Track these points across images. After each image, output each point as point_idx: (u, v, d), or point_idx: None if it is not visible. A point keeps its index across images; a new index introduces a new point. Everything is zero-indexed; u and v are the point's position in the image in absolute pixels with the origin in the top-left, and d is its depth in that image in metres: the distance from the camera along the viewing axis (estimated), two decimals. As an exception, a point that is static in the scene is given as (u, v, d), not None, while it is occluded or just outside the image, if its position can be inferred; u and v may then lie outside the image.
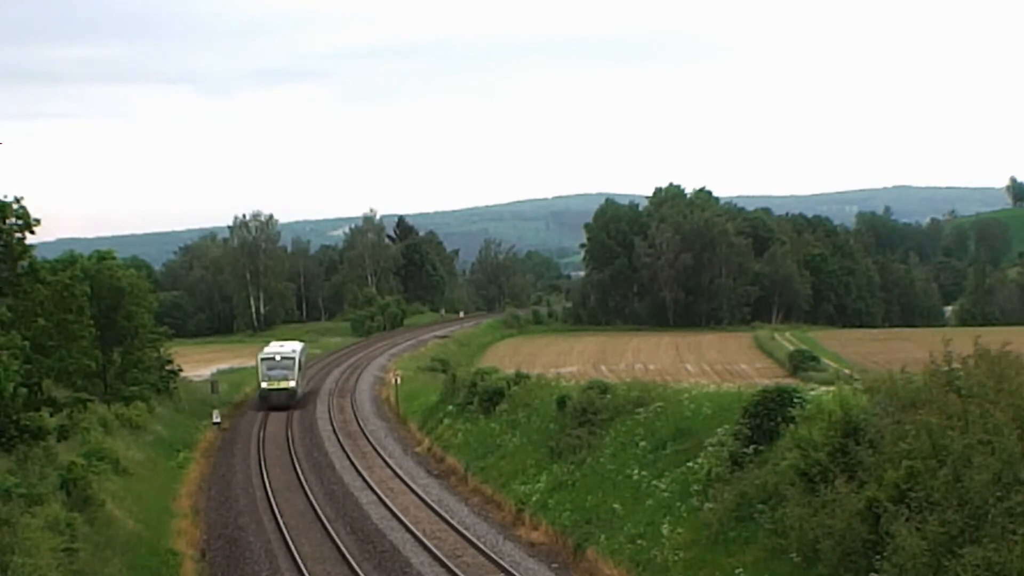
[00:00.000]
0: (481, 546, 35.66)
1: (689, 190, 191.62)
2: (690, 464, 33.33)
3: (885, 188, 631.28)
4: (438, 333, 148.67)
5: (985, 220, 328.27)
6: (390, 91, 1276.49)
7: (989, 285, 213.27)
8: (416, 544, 36.78)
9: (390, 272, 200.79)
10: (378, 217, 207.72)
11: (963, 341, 24.84)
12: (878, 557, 21.63)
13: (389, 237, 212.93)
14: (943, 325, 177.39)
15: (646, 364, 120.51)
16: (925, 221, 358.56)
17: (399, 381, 78.52)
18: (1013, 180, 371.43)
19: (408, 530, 38.76)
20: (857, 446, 24.49)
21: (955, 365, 24.16)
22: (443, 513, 41.31)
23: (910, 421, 23.25)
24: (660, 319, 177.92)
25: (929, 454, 21.87)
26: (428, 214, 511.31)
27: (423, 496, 44.91)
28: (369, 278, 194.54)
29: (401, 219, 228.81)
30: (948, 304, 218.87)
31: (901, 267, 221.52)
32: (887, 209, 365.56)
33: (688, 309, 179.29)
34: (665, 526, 30.97)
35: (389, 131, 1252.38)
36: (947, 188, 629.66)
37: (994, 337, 25.88)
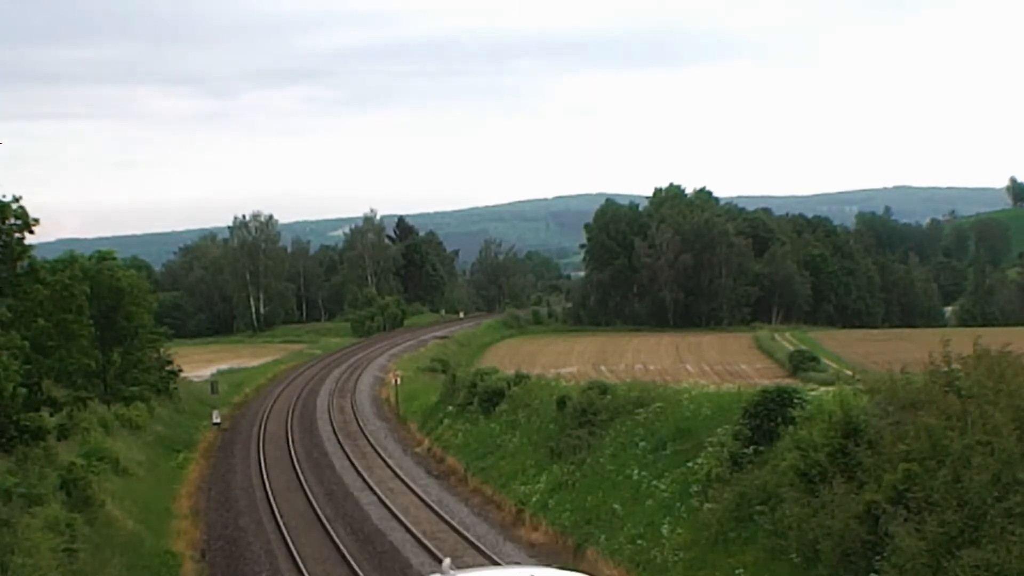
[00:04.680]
0: (481, 546, 35.65)
1: (689, 190, 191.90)
2: (690, 464, 33.34)
3: (885, 188, 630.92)
4: (438, 333, 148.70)
5: (985, 220, 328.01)
6: (390, 91, 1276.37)
7: (989, 285, 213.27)
8: (416, 544, 36.78)
9: (390, 272, 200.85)
10: (378, 217, 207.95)
11: (963, 341, 24.80)
12: (877, 558, 21.62)
13: (389, 237, 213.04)
14: (943, 325, 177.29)
15: (646, 364, 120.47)
16: (925, 221, 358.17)
17: (399, 381, 78.58)
18: (1013, 180, 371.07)
19: (408, 530, 38.76)
20: (857, 447, 24.46)
21: (955, 366, 24.08)
22: (443, 513, 41.31)
23: (910, 422, 23.22)
24: (660, 319, 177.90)
25: (928, 455, 21.86)
26: (428, 214, 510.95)
27: (423, 496, 44.92)
28: (369, 278, 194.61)
29: (401, 219, 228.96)
30: (948, 304, 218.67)
31: (901, 267, 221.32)
32: (887, 209, 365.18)
33: (688, 309, 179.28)
34: (665, 526, 30.98)
35: (389, 131, 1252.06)
36: (947, 188, 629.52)
37: (994, 337, 25.84)
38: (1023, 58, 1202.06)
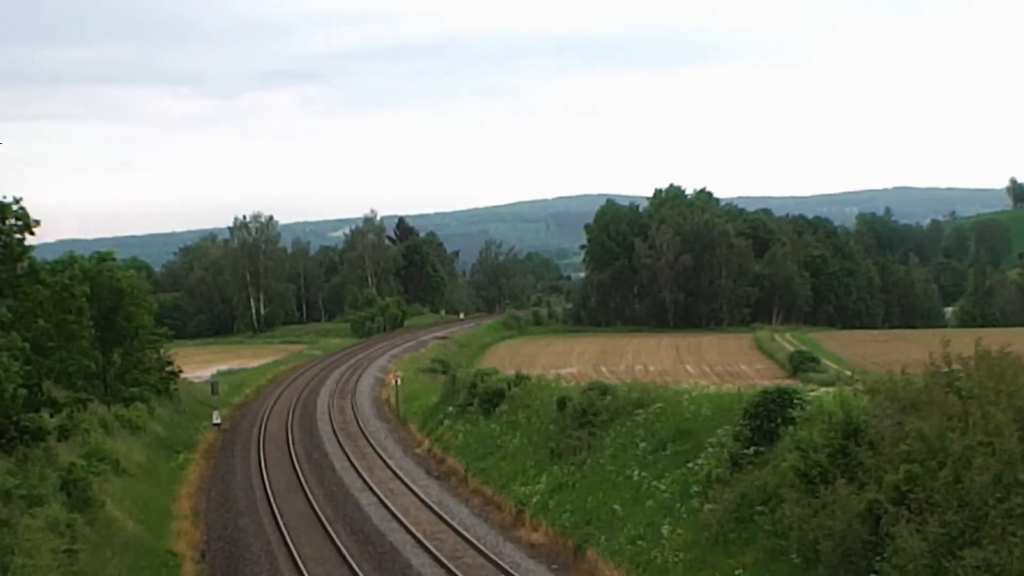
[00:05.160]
0: (481, 547, 35.65)
1: (689, 191, 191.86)
2: (690, 465, 33.35)
3: (885, 189, 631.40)
4: (438, 334, 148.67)
5: (985, 221, 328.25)
6: (391, 92, 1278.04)
7: (989, 286, 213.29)
8: (416, 545, 36.76)
9: (390, 273, 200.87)
10: (378, 218, 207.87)
11: (963, 342, 24.82)
12: (878, 559, 21.62)
13: (389, 238, 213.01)
14: (943, 326, 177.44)
15: (646, 365, 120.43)
16: (925, 222, 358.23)
17: (399, 382, 78.56)
18: (1013, 181, 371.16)
19: (408, 531, 38.75)
20: (857, 447, 24.47)
21: (955, 366, 24.12)
22: (443, 514, 41.30)
23: (910, 422, 23.23)
24: (660, 320, 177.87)
25: (929, 456, 21.87)
26: (428, 215, 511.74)
27: (423, 497, 44.90)
28: (369, 279, 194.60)
29: (401, 220, 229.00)
30: (948, 305, 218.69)
31: (901, 268, 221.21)
32: (887, 210, 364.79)
33: (688, 310, 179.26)
34: (665, 527, 30.98)
35: (389, 132, 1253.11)
36: (947, 189, 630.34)
37: (994, 338, 25.87)
38: (1022, 59, 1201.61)
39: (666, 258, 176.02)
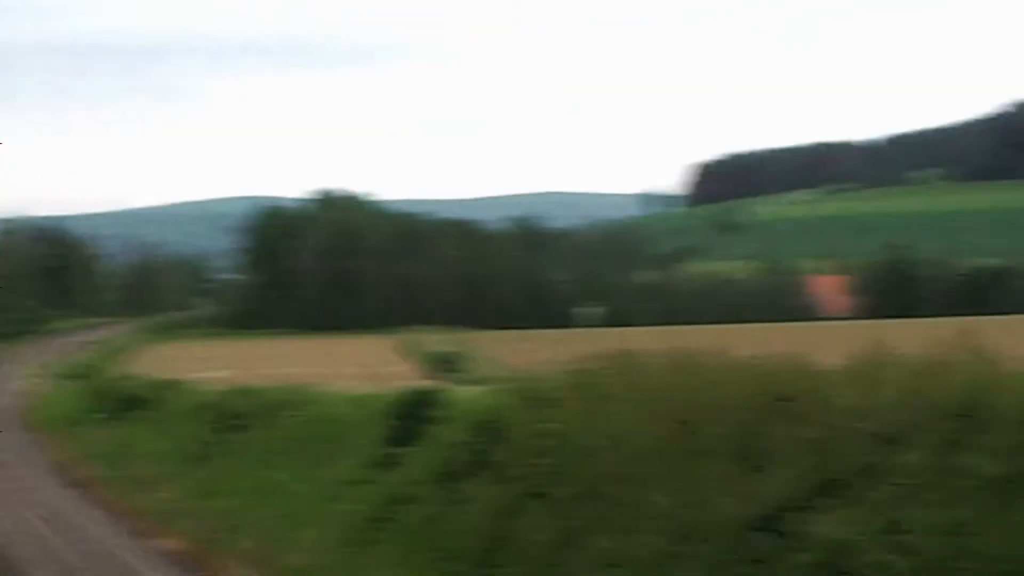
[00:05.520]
0: (114, 556, 34.33)
1: (344, 193, 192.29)
2: (332, 466, 33.18)
3: (536, 193, 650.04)
4: (83, 339, 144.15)
5: (620, 226, 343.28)
6: (45, 90, 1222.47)
7: (624, 288, 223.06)
8: (44, 557, 34.96)
9: (30, 276, 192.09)
10: (19, 219, 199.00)
11: (601, 342, 25.64)
12: (508, 552, 21.94)
13: (32, 239, 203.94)
14: (582, 326, 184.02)
15: (293, 368, 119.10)
16: (569, 225, 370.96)
17: (37, 390, 75.57)
18: (644, 188, 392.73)
19: (35, 543, 36.84)
20: (496, 445, 24.83)
21: (590, 365, 24.84)
22: (75, 523, 39.62)
23: (546, 419, 23.73)
24: (310, 323, 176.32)
25: (560, 451, 22.39)
26: (77, 216, 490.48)
27: (54, 506, 42.92)
28: (6, 283, 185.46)
29: (45, 221, 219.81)
30: (587, 307, 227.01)
31: (546, 270, 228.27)
32: (535, 214, 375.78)
33: (336, 313, 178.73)
34: (305, 529, 30.62)
35: (29, 131, 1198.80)
36: (590, 194, 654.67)
37: (628, 338, 26.85)
38: (655, 73, 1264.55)
39: (316, 260, 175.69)
